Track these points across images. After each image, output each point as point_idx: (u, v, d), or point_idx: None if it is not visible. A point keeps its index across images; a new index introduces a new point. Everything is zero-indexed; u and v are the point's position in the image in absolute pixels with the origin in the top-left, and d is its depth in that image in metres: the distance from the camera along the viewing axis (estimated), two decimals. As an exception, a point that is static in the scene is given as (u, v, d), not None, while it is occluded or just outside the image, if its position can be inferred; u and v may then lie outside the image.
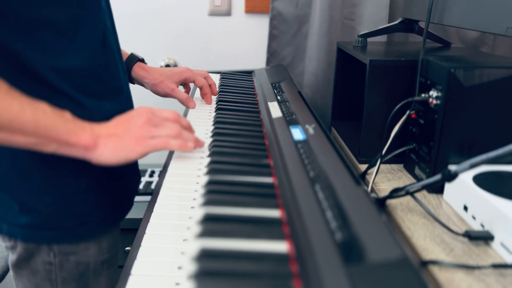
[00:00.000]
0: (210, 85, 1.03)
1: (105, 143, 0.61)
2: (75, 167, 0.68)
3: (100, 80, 0.70)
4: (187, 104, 0.97)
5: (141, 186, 1.47)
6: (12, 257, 0.72)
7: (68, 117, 0.60)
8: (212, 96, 1.04)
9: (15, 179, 0.67)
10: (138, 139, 0.63)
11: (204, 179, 0.63)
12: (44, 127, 0.56)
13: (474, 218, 0.60)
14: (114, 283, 0.81)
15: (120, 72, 0.76)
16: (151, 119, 0.65)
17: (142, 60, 0.96)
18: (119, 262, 0.82)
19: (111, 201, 0.75)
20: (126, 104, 0.78)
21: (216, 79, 1.21)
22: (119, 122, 0.65)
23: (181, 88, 1.02)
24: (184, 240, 0.50)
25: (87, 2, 0.66)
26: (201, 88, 1.01)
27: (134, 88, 1.03)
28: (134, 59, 0.94)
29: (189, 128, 0.72)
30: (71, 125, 0.59)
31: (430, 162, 0.72)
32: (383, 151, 0.76)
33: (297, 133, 0.74)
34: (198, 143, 0.71)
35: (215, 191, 0.59)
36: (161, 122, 0.66)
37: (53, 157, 0.66)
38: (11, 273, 0.76)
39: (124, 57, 0.94)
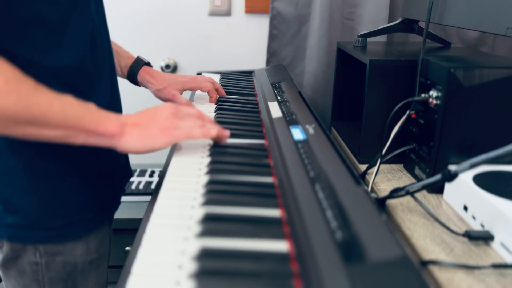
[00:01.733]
0: (217, 89, 1.04)
1: (131, 131, 0.63)
2: (60, 166, 0.69)
3: (89, 77, 0.70)
4: None
5: (141, 186, 1.47)
6: None
7: (93, 108, 0.62)
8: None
9: None
10: (163, 130, 0.65)
11: (204, 179, 0.63)
12: (73, 119, 0.58)
13: (474, 218, 0.60)
14: (103, 283, 0.81)
15: (108, 70, 0.77)
16: (176, 113, 0.68)
17: (148, 64, 0.98)
18: (119, 262, 0.82)
19: (98, 200, 0.75)
20: (113, 102, 0.79)
21: (216, 79, 1.21)
22: (144, 113, 0.68)
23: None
24: (184, 239, 0.50)
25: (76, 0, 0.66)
26: (208, 92, 1.03)
27: (134, 90, 1.03)
28: (140, 63, 0.97)
29: (212, 124, 0.74)
30: (98, 115, 0.61)
31: (430, 162, 0.72)
32: (383, 151, 0.76)
33: (297, 133, 0.74)
34: (222, 133, 0.73)
35: (215, 191, 0.59)
36: (185, 116, 0.69)
37: (37, 157, 0.67)
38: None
39: (131, 61, 0.96)
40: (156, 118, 0.66)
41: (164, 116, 0.67)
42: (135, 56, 0.98)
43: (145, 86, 0.99)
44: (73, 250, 0.73)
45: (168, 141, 0.65)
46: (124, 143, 0.63)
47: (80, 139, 0.60)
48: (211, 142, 0.77)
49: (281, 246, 0.48)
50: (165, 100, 0.98)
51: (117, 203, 0.83)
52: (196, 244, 0.48)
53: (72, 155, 0.69)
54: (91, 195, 0.73)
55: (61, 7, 0.64)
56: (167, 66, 1.57)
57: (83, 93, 0.68)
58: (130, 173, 0.90)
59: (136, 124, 0.64)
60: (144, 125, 0.65)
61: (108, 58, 0.77)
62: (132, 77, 0.96)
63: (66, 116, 0.57)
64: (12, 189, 0.67)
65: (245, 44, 1.57)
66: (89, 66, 0.70)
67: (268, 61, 1.52)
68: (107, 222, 0.81)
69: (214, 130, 0.71)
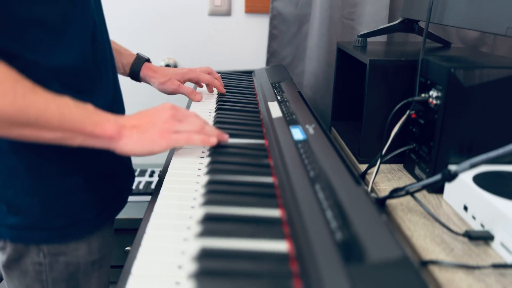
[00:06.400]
0: (216, 79, 1.06)
1: (130, 134, 0.63)
2: (63, 167, 0.68)
3: (90, 77, 0.70)
4: (193, 97, 1.02)
5: (141, 186, 1.47)
6: (2, 258, 0.72)
7: (91, 109, 0.61)
8: (213, 94, 1.06)
9: (1, 179, 0.67)
10: (162, 133, 0.65)
11: (204, 179, 0.63)
12: (70, 121, 0.58)
13: (474, 218, 0.60)
14: (106, 284, 0.81)
15: (109, 69, 0.77)
16: (175, 115, 0.68)
17: (148, 60, 1.00)
18: (119, 262, 0.81)
19: (101, 201, 0.75)
20: (115, 101, 0.79)
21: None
22: (143, 115, 0.67)
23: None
24: (184, 239, 0.50)
25: (76, 0, 0.66)
26: (207, 85, 1.05)
27: (135, 88, 1.03)
28: (142, 59, 0.98)
29: (210, 126, 0.74)
30: (95, 117, 0.61)
31: (430, 162, 0.72)
32: (383, 151, 0.76)
33: (297, 133, 0.74)
34: (222, 137, 0.73)
35: (215, 191, 0.59)
36: (184, 118, 0.69)
37: (40, 157, 0.66)
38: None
39: (132, 58, 0.98)
40: (156, 120, 0.66)
41: (164, 118, 0.66)
42: (135, 53, 0.99)
43: (148, 82, 1.01)
44: (75, 251, 0.73)
45: (167, 145, 0.65)
46: (122, 146, 0.62)
47: (78, 141, 0.60)
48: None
49: (281, 246, 0.48)
50: (170, 92, 1.01)
51: (121, 203, 0.83)
52: (196, 244, 0.48)
53: (74, 155, 0.69)
54: (94, 195, 0.73)
55: (61, 7, 0.63)
56: (167, 66, 1.57)
57: (85, 93, 0.68)
58: (133, 173, 0.90)
59: (135, 126, 0.64)
60: (143, 128, 0.64)
61: (109, 57, 0.77)
62: (135, 74, 0.98)
63: (62, 118, 0.57)
64: (15, 190, 0.67)
65: (245, 44, 1.57)
66: (90, 66, 0.70)
67: (268, 61, 1.52)
68: (109, 223, 0.81)
69: (214, 138, 0.71)
